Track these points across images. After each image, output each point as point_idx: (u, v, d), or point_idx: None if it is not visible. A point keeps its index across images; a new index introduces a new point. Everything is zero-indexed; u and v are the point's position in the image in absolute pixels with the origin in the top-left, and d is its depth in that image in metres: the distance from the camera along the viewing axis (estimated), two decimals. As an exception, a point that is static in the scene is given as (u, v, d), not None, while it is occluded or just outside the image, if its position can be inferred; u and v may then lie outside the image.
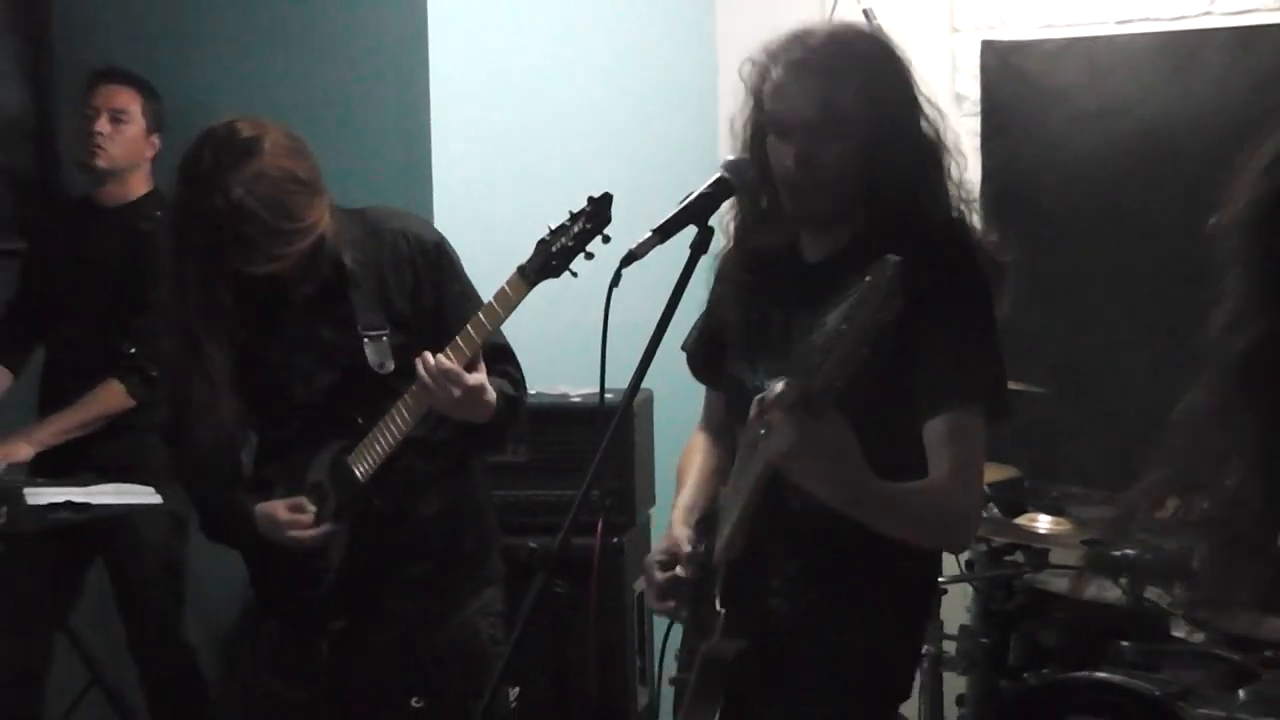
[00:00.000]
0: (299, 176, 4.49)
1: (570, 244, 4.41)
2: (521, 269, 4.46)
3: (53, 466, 6.30)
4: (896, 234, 3.62)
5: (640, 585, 6.27)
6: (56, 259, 6.62)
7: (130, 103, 6.54)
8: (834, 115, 3.79)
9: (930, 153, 3.92)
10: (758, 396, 3.45)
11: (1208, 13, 7.06)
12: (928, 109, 3.94)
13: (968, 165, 4.01)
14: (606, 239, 4.40)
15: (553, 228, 4.46)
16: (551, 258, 4.43)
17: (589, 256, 4.42)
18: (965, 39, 7.45)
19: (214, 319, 4.59)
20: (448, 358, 4.46)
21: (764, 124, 3.93)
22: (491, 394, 4.54)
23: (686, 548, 4.01)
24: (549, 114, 7.09)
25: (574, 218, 4.44)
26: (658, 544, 4.16)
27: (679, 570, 3.98)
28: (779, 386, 3.30)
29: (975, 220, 4.00)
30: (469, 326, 4.48)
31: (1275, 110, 6.80)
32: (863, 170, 3.83)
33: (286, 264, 4.55)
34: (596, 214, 4.42)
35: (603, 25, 7.44)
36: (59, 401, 6.47)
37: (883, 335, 3.20)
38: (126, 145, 6.53)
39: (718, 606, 3.80)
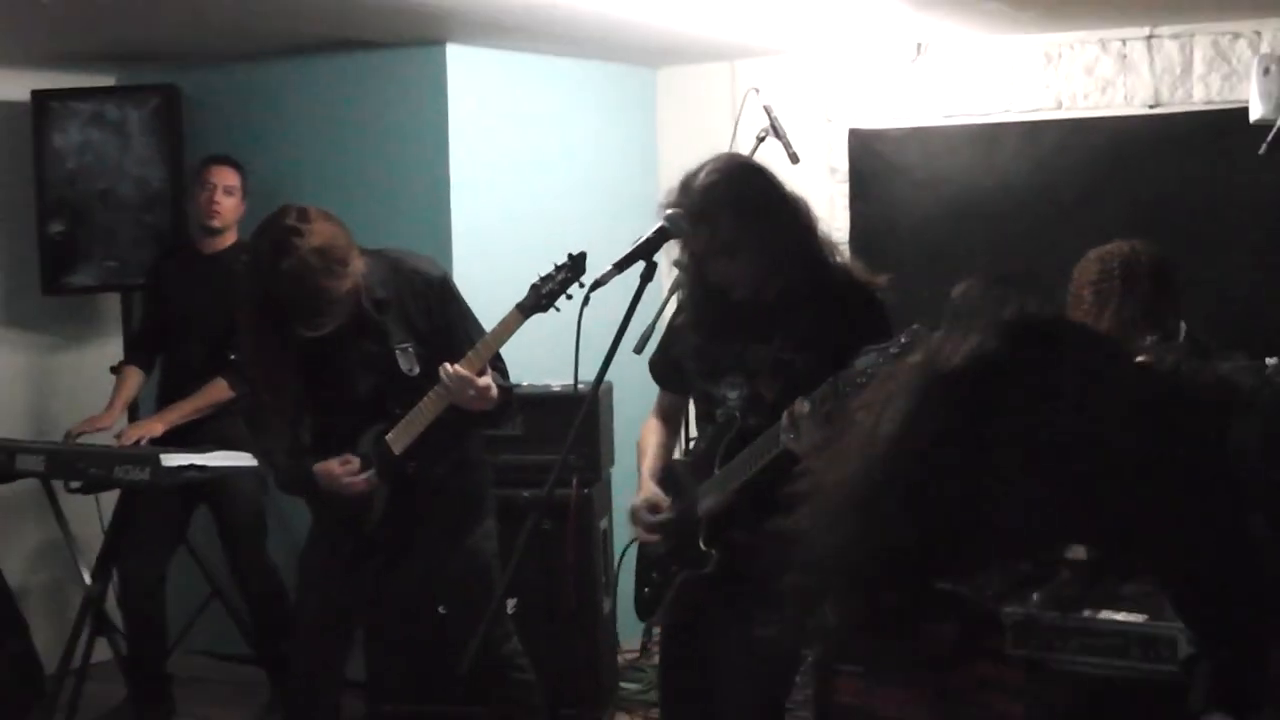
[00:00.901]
0: (334, 261, 4.47)
1: (555, 288, 4.50)
2: (519, 306, 4.55)
3: (175, 439, 6.28)
4: (815, 286, 4.00)
5: (604, 523, 6.26)
6: (175, 291, 6.61)
7: (234, 179, 6.54)
8: (721, 241, 3.96)
9: (807, 224, 4.09)
10: (788, 410, 3.66)
11: (1006, 110, 6.98)
12: (790, 201, 4.08)
13: (839, 222, 4.15)
14: (581, 285, 4.42)
15: (542, 275, 4.53)
16: (541, 298, 4.51)
17: (569, 297, 4.46)
18: (837, 127, 7.38)
19: (281, 358, 4.65)
20: (464, 368, 4.54)
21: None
22: (495, 390, 4.62)
23: (664, 500, 4.23)
24: (539, 188, 7.07)
25: (558, 269, 4.52)
26: (638, 496, 4.33)
27: (661, 515, 4.21)
28: (806, 405, 3.57)
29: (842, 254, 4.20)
30: (479, 345, 4.60)
31: (1057, 183, 6.75)
32: (760, 263, 3.99)
33: (337, 322, 4.59)
34: (574, 266, 4.50)
35: (577, 118, 7.44)
36: (174, 394, 6.50)
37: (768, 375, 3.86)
38: (233, 210, 6.54)
39: (703, 546, 4.05)
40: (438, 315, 4.79)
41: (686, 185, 4.01)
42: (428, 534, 4.92)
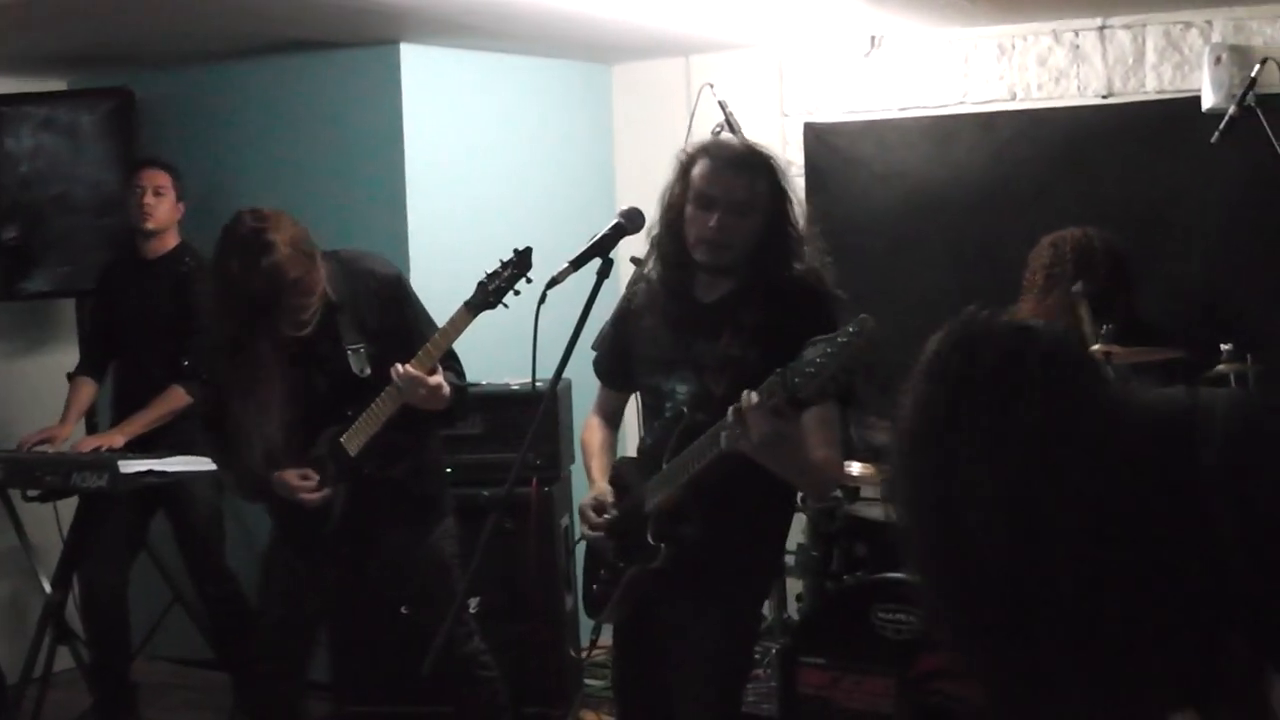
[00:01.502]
0: (307, 253, 4.56)
1: (502, 285, 4.51)
2: (467, 303, 4.55)
3: (133, 445, 6.23)
4: (770, 285, 4.02)
5: (566, 520, 6.26)
6: (120, 298, 6.55)
7: (166, 181, 6.46)
8: (751, 199, 3.99)
9: (794, 231, 4.10)
10: (734, 406, 3.59)
11: (961, 102, 7.01)
12: (797, 201, 4.15)
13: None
14: (529, 280, 4.46)
15: (489, 272, 4.52)
16: (489, 295, 4.52)
17: (517, 293, 4.48)
18: (792, 121, 7.40)
19: (242, 359, 4.63)
20: (414, 367, 4.54)
21: (684, 197, 4.06)
22: (447, 389, 4.62)
23: (610, 497, 4.23)
24: (495, 187, 7.06)
25: (504, 265, 4.53)
26: (588, 494, 4.31)
27: (609, 513, 4.20)
28: (755, 398, 3.51)
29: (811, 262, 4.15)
30: (429, 344, 4.58)
31: (1013, 173, 6.79)
32: (755, 238, 4.02)
33: (313, 325, 4.63)
34: (520, 262, 4.51)
35: (532, 116, 7.44)
36: (128, 400, 6.45)
37: (715, 370, 3.92)
38: (166, 212, 6.46)
39: (651, 541, 4.01)
40: (391, 315, 4.80)
41: (725, 141, 4.21)
42: (387, 535, 4.92)
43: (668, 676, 4.17)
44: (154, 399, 6.28)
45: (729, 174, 3.99)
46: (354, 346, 4.72)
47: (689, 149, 4.14)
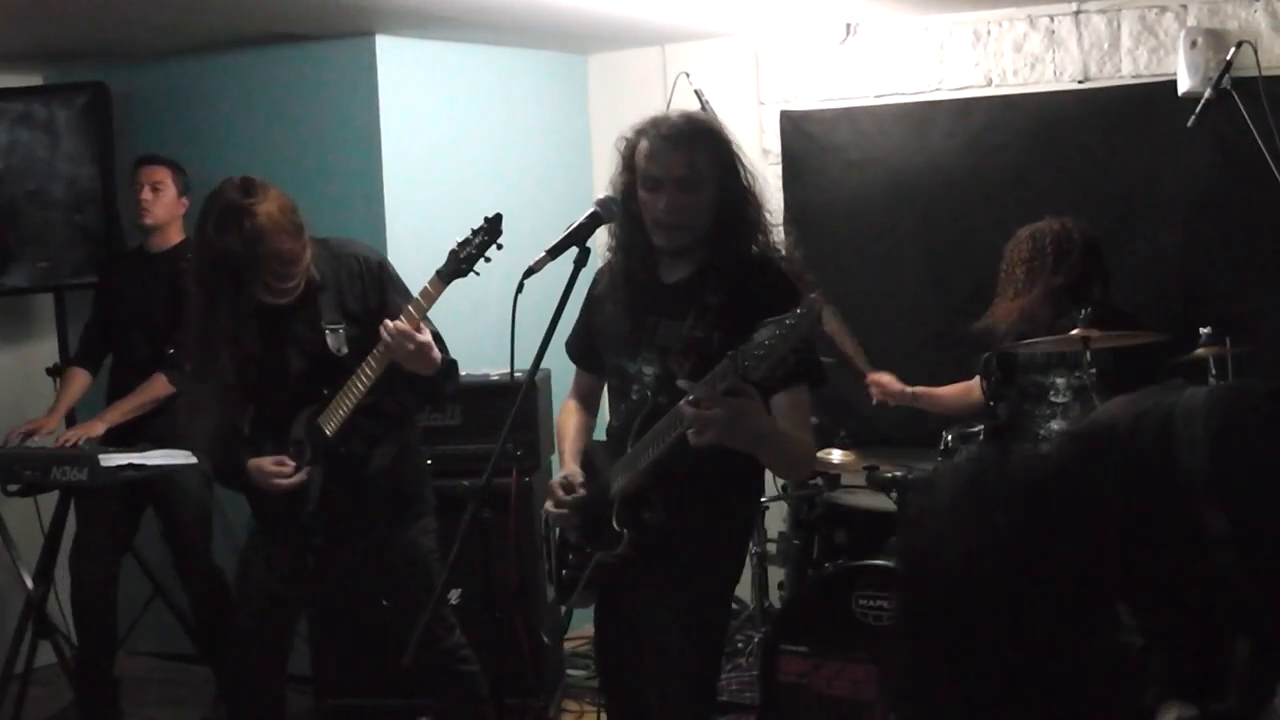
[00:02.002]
0: (294, 221, 4.59)
1: (473, 252, 4.46)
2: (438, 272, 4.51)
3: (118, 438, 6.25)
4: (732, 264, 3.96)
5: (547, 509, 6.25)
6: (120, 291, 6.56)
7: (164, 177, 6.49)
8: (695, 173, 3.92)
9: (751, 201, 4.04)
10: (690, 393, 3.58)
11: (937, 89, 7.02)
12: (749, 170, 4.06)
13: (773, 204, 4.11)
14: (500, 247, 4.45)
15: (459, 240, 4.49)
16: (460, 263, 4.48)
17: (488, 260, 4.45)
18: (769, 109, 7.41)
19: (225, 333, 4.63)
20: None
21: (634, 183, 4.01)
22: (437, 351, 4.58)
23: (579, 479, 4.19)
24: (472, 177, 7.05)
25: (475, 232, 4.49)
26: (558, 474, 4.29)
27: (578, 493, 4.16)
28: (711, 381, 3.51)
29: (779, 244, 4.10)
30: (409, 306, 4.53)
31: (989, 160, 6.80)
32: (711, 214, 3.96)
33: (293, 294, 4.66)
34: (490, 229, 4.48)
35: (509, 107, 7.45)
36: (122, 393, 6.44)
37: (678, 353, 3.90)
38: (164, 207, 6.49)
39: (617, 526, 3.99)
40: (374, 296, 4.80)
41: (661, 118, 4.02)
42: (364, 528, 4.91)
43: (643, 661, 4.14)
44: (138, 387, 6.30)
45: (668, 151, 3.93)
46: (333, 326, 4.72)
47: (628, 133, 4.08)
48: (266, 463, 4.75)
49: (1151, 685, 1.86)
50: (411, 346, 4.48)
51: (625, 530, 3.98)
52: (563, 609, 4.33)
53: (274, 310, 4.71)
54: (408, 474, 5.01)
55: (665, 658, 4.03)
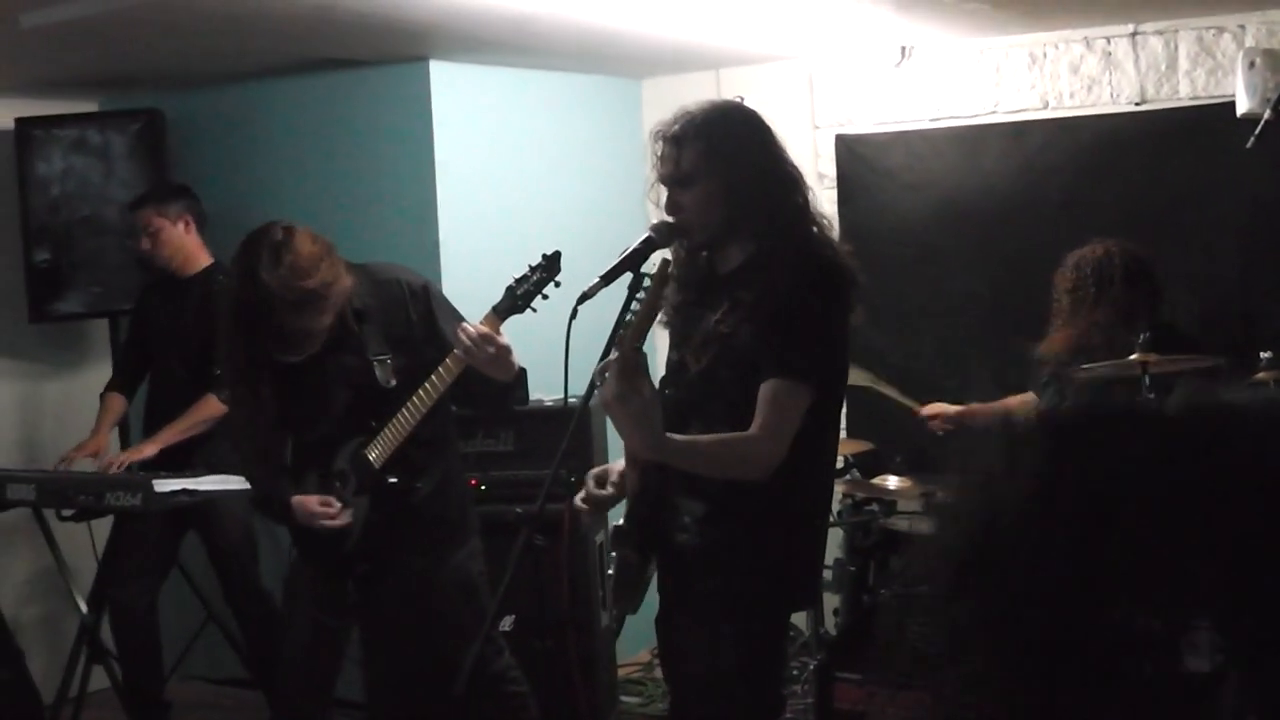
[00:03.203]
0: (322, 279, 4.46)
1: (530, 289, 4.47)
2: (495, 308, 4.51)
3: (166, 464, 6.25)
4: (774, 252, 3.77)
5: (599, 537, 6.24)
6: (154, 316, 6.60)
7: (152, 217, 6.41)
8: (678, 168, 3.83)
9: (791, 187, 3.89)
10: (604, 360, 3.58)
11: (992, 112, 7.00)
12: (779, 155, 3.93)
13: (819, 202, 3.99)
14: (558, 284, 4.44)
15: (517, 277, 4.50)
16: (517, 299, 4.49)
17: (545, 298, 4.46)
18: (824, 133, 7.41)
19: (263, 368, 4.63)
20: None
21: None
22: (515, 357, 4.51)
23: (614, 474, 4.08)
24: (526, 203, 7.07)
25: (533, 269, 4.49)
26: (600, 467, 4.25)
27: (606, 489, 4.07)
28: (613, 356, 3.49)
29: (833, 235, 3.98)
30: (488, 314, 4.51)
31: (1044, 183, 6.76)
32: (721, 206, 3.82)
33: (315, 348, 4.62)
34: (549, 266, 4.48)
35: (562, 132, 7.46)
36: (158, 415, 6.48)
37: (680, 333, 3.84)
38: (166, 245, 6.43)
39: (619, 524, 3.97)
40: (421, 319, 4.74)
41: (668, 117, 3.94)
42: (407, 559, 4.87)
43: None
44: (187, 409, 6.31)
45: (660, 150, 3.88)
46: (380, 358, 4.67)
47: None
48: (312, 502, 4.71)
49: (1224, 707, 1.81)
50: (492, 350, 4.40)
51: (618, 525, 3.95)
52: (614, 612, 4.25)
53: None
54: (452, 499, 4.98)
55: (689, 687, 3.98)
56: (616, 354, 3.44)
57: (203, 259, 6.50)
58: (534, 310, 4.48)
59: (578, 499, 4.13)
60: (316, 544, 4.85)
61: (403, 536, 4.83)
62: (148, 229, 6.39)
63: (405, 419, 4.64)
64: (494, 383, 4.57)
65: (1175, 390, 1.83)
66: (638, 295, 3.62)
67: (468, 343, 4.40)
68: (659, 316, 3.80)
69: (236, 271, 4.53)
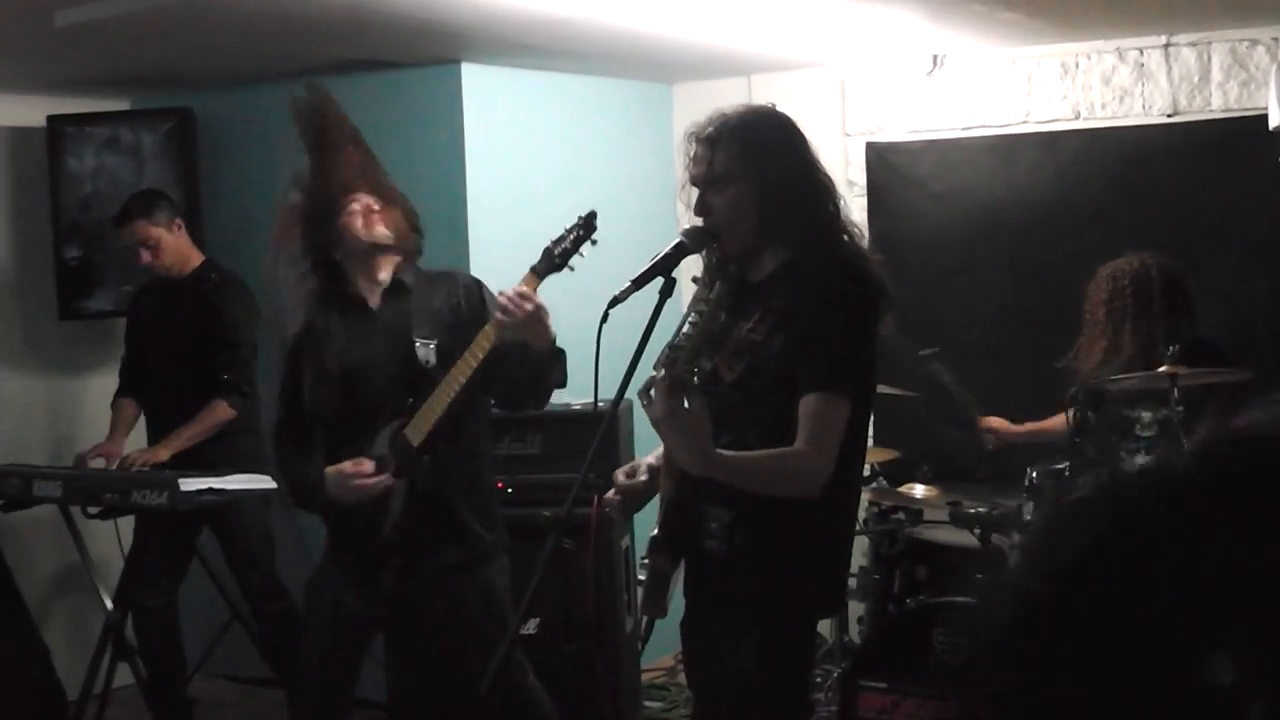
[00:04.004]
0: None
1: (568, 248, 4.51)
2: (533, 268, 4.54)
3: (185, 463, 6.28)
4: (806, 261, 3.76)
5: (626, 541, 6.25)
6: (148, 320, 6.64)
7: (148, 229, 6.40)
8: (713, 174, 3.82)
9: (823, 194, 3.88)
10: (649, 377, 3.55)
11: (1024, 122, 6.99)
12: (811, 161, 3.91)
13: (853, 211, 3.98)
14: (594, 243, 4.51)
15: (554, 238, 4.55)
16: (554, 259, 4.51)
17: (582, 256, 4.51)
18: (854, 141, 7.42)
19: (312, 338, 4.79)
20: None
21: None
22: (551, 322, 4.51)
23: (643, 472, 4.07)
24: (556, 206, 6.94)
25: (569, 230, 4.54)
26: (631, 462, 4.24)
27: (636, 479, 4.06)
28: (661, 372, 3.46)
29: (864, 244, 3.97)
30: (522, 282, 4.53)
31: (1075, 193, 6.76)
32: (752, 211, 3.80)
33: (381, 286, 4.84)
34: (586, 225, 4.53)
35: (593, 136, 7.49)
36: (157, 418, 6.54)
37: (712, 341, 3.71)
38: (165, 254, 6.44)
39: (654, 532, 3.94)
40: (470, 305, 4.83)
41: (703, 119, 3.92)
42: (443, 547, 4.85)
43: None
44: (196, 414, 6.32)
45: (694, 150, 3.87)
46: (423, 339, 4.72)
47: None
48: (345, 466, 4.69)
49: None
50: (530, 307, 4.40)
51: (653, 533, 3.94)
52: (643, 618, 4.22)
53: (365, 312, 4.81)
54: (482, 508, 4.95)
55: (740, 694, 3.97)
56: (664, 372, 3.42)
57: (195, 258, 6.54)
58: (571, 269, 4.51)
59: (610, 493, 4.11)
60: (352, 531, 4.84)
61: (437, 525, 4.81)
62: (146, 242, 6.39)
63: (443, 393, 4.62)
64: (531, 357, 4.56)
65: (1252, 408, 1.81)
66: (691, 320, 3.61)
67: (505, 302, 4.43)
68: (686, 323, 3.81)
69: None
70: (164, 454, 6.27)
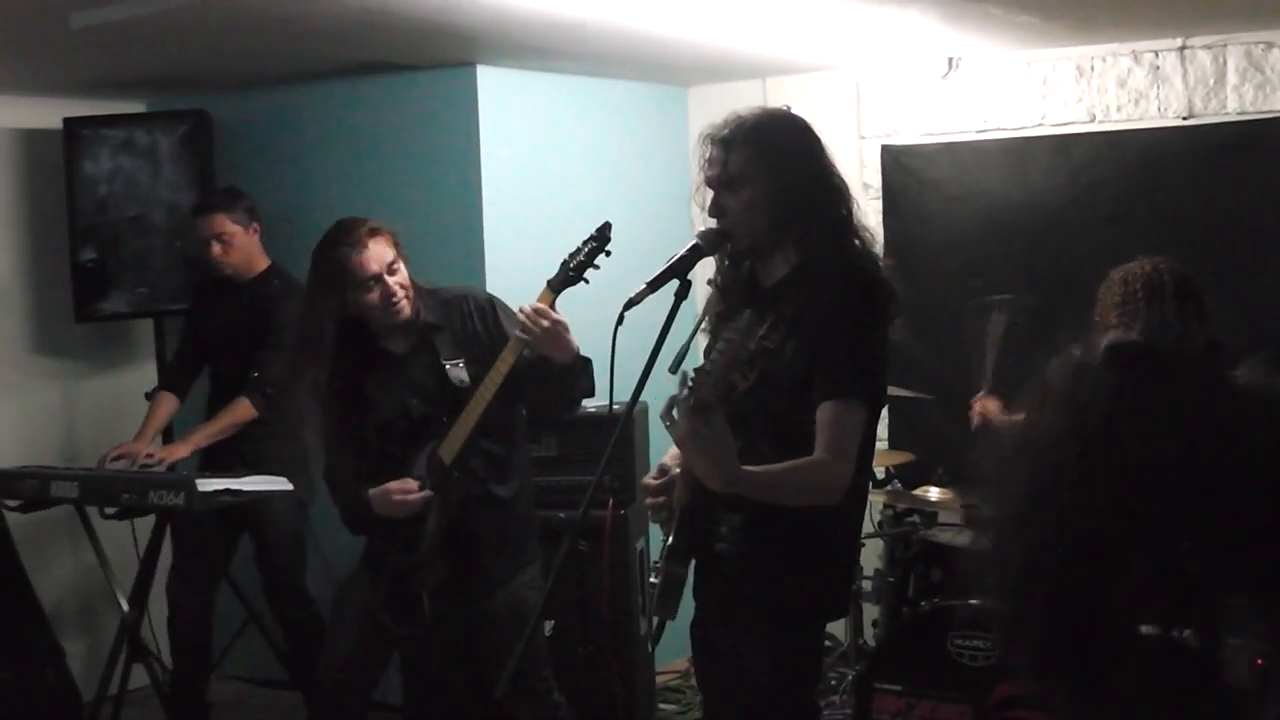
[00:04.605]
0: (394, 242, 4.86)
1: (583, 260, 4.52)
2: (549, 283, 4.58)
3: (210, 463, 6.34)
4: (816, 266, 3.76)
5: (640, 543, 6.26)
6: (210, 318, 6.65)
7: (224, 223, 6.43)
8: (728, 176, 3.81)
9: (836, 198, 3.87)
10: (670, 397, 3.54)
11: (1039, 124, 6.99)
12: (826, 165, 3.90)
13: (864, 213, 3.95)
14: (608, 254, 4.52)
15: (569, 251, 4.56)
16: (570, 272, 4.53)
17: (597, 268, 4.53)
18: (870, 144, 7.42)
19: (345, 389, 4.88)
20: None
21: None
22: (572, 335, 4.56)
23: (674, 469, 4.01)
24: (572, 209, 7.04)
25: (584, 242, 4.55)
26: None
27: (668, 477, 4.01)
28: (684, 393, 3.39)
29: (878, 249, 3.97)
30: (539, 298, 4.59)
31: (1091, 195, 6.76)
32: (766, 213, 3.79)
33: (408, 338, 4.89)
34: (600, 237, 4.53)
35: (609, 138, 7.49)
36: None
37: (745, 364, 3.59)
38: (235, 252, 6.47)
39: (668, 539, 3.94)
40: (491, 327, 4.88)
41: (719, 120, 3.92)
42: (480, 567, 4.91)
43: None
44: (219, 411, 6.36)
45: (708, 151, 3.87)
46: (453, 361, 4.80)
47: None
48: (390, 485, 4.78)
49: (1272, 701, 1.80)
50: (548, 323, 4.46)
51: (667, 541, 3.94)
52: (654, 619, 4.19)
53: (394, 359, 4.87)
54: (519, 523, 5.02)
55: (725, 696, 3.98)
56: (690, 393, 3.40)
57: (261, 263, 6.55)
58: (586, 281, 4.52)
59: (645, 504, 4.12)
60: (393, 548, 4.91)
61: (474, 546, 4.89)
62: (221, 236, 6.41)
63: (470, 412, 4.70)
64: (555, 368, 4.59)
65: (1244, 364, 1.85)
66: (721, 340, 3.59)
67: (523, 319, 4.49)
68: (702, 325, 3.81)
69: (320, 266, 4.84)
70: (183, 450, 6.30)
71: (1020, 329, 6.28)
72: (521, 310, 4.52)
